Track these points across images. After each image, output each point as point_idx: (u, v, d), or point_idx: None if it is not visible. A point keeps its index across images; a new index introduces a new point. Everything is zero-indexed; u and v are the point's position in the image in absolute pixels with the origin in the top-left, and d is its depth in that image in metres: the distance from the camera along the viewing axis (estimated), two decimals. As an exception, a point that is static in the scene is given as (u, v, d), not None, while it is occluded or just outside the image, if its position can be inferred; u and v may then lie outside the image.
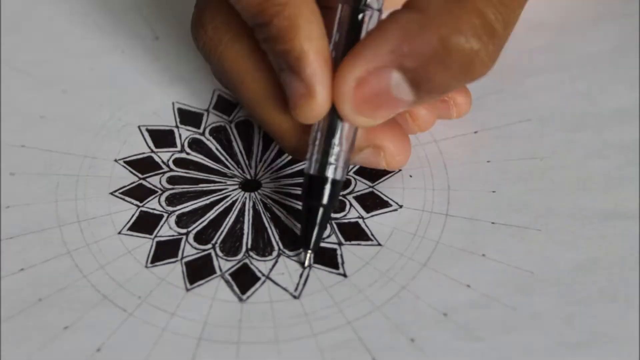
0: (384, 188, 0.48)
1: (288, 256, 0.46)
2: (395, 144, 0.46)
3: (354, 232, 0.46)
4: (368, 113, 0.42)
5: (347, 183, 0.49)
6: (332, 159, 0.44)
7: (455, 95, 0.47)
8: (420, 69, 0.40)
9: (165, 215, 0.47)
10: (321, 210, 0.44)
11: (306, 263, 0.45)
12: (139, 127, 0.51)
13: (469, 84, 0.43)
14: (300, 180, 0.48)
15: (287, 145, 0.46)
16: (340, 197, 0.48)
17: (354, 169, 0.49)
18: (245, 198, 0.48)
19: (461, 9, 0.40)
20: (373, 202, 0.48)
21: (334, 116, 0.43)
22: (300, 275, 0.45)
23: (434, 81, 0.41)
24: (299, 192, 0.48)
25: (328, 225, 0.47)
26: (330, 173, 0.44)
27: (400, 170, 0.49)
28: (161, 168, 0.50)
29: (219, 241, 0.46)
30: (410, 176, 0.49)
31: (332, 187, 0.44)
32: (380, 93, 0.41)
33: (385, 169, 0.47)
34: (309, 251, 0.45)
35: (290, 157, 0.50)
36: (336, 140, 0.43)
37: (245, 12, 0.43)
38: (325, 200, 0.44)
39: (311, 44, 0.41)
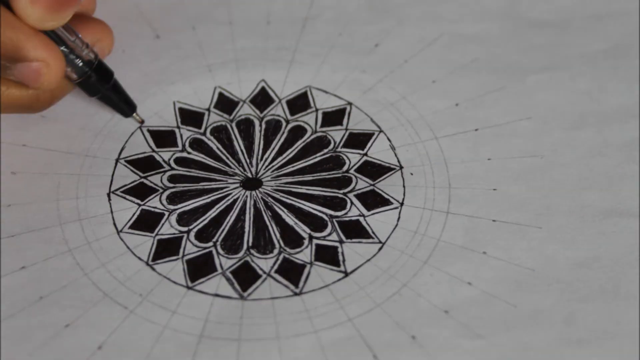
0: (385, 186, 0.48)
1: (289, 254, 0.46)
2: (104, 29, 0.49)
3: (355, 230, 0.46)
4: (55, 18, 0.44)
5: (348, 181, 0.49)
6: (76, 60, 0.47)
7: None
8: None
9: (167, 213, 0.47)
10: (110, 91, 0.49)
11: (139, 119, 0.51)
12: (140, 127, 0.51)
13: None
14: (301, 178, 0.49)
15: (45, 99, 0.48)
16: (341, 195, 0.48)
17: (355, 168, 0.49)
18: (247, 196, 0.48)
19: None
20: (374, 200, 0.48)
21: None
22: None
23: None
24: (301, 190, 0.48)
25: (328, 224, 0.47)
26: (87, 67, 0.48)
27: (402, 167, 0.49)
28: (162, 167, 0.50)
29: (220, 239, 0.46)
30: (411, 174, 0.49)
31: (97, 71, 0.48)
32: None
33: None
34: (134, 114, 0.51)
35: (291, 155, 0.50)
36: (68, 45, 0.47)
37: None
38: (104, 85, 0.49)
39: (16, 30, 0.43)
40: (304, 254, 0.46)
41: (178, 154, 0.50)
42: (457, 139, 0.50)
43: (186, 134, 0.51)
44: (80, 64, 0.47)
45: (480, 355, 0.41)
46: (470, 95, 0.53)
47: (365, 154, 0.50)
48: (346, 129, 0.51)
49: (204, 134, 0.51)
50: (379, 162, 0.50)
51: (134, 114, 0.51)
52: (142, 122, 0.51)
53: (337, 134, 0.51)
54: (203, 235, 0.47)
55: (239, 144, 0.51)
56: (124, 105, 0.50)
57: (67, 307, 0.44)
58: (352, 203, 0.48)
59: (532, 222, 0.46)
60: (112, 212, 0.47)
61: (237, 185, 0.49)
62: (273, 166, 0.50)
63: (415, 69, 0.54)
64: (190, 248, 0.46)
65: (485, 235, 0.46)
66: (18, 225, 0.47)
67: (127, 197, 0.48)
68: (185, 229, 0.47)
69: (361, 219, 0.47)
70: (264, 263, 0.45)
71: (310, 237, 0.46)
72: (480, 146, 0.50)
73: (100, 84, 0.49)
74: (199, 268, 0.45)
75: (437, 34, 0.56)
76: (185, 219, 0.47)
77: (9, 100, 0.46)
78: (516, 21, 0.57)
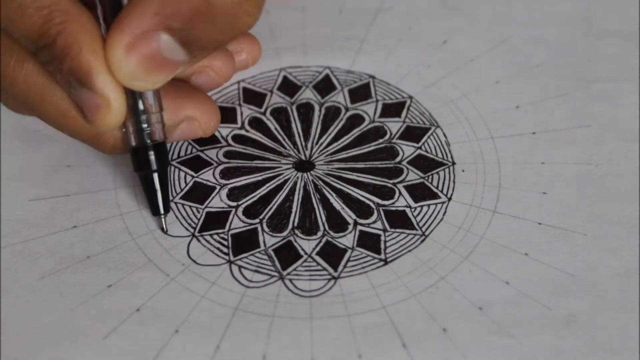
0: (436, 180, 0.48)
1: (332, 237, 0.46)
2: (204, 111, 0.46)
3: (400, 220, 0.47)
4: (144, 77, 0.41)
5: (399, 171, 0.49)
6: (145, 126, 0.44)
7: (245, 46, 0.49)
8: (187, 28, 0.40)
9: (218, 187, 0.48)
10: (155, 175, 0.45)
11: (164, 227, 0.46)
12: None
13: (240, 35, 0.43)
14: (353, 164, 0.49)
15: (106, 144, 0.45)
16: (390, 185, 0.48)
17: (408, 160, 0.49)
18: (298, 178, 0.49)
19: None
20: (423, 193, 0.48)
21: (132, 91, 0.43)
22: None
23: (202, 38, 0.40)
24: (351, 177, 0.48)
25: (374, 211, 0.47)
26: (148, 139, 0.44)
27: (454, 163, 0.49)
28: (220, 142, 0.50)
29: (266, 217, 0.47)
30: (463, 171, 0.49)
31: (156, 150, 0.44)
32: (152, 56, 0.40)
33: (203, 137, 0.48)
34: (163, 215, 0.46)
35: (346, 142, 0.50)
36: (145, 109, 0.43)
37: (25, 38, 0.41)
38: (154, 165, 0.44)
39: (96, 56, 0.41)
40: (347, 239, 0.46)
41: (236, 131, 0.51)
42: (513, 140, 0.50)
43: (246, 112, 0.52)
44: (146, 132, 0.44)
45: (508, 354, 0.41)
46: (531, 99, 0.52)
47: (420, 148, 0.50)
48: (403, 122, 0.52)
49: (264, 113, 0.52)
50: (432, 156, 0.50)
51: (161, 217, 0.46)
52: (163, 230, 0.46)
53: (394, 126, 0.51)
54: (251, 211, 0.47)
55: (296, 126, 0.51)
56: (157, 201, 0.46)
57: (112, 269, 0.45)
58: (400, 193, 0.48)
59: (578, 228, 0.46)
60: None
61: (290, 166, 0.49)
62: (327, 151, 0.50)
63: (480, 68, 0.54)
64: (237, 223, 0.47)
65: (529, 237, 0.46)
66: (75, 185, 0.48)
67: (183, 167, 0.49)
68: (234, 204, 0.48)
69: (407, 210, 0.47)
70: (306, 244, 0.46)
71: (355, 223, 0.47)
72: (535, 149, 0.50)
73: (148, 165, 0.45)
74: (243, 243, 0.46)
75: (506, 35, 0.56)
76: (235, 194, 0.48)
77: (73, 124, 0.44)
78: (587, 29, 0.56)
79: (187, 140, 0.50)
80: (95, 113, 0.42)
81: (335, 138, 0.51)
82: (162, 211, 0.46)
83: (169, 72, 0.41)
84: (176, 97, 0.46)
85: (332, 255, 0.45)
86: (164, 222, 0.46)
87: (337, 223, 0.47)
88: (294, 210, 0.47)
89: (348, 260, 0.45)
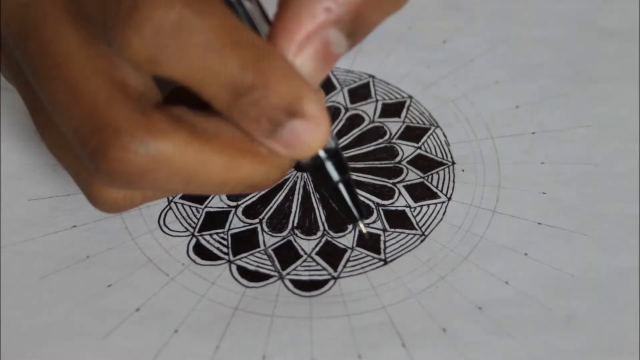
0: (435, 180, 0.48)
1: (332, 237, 0.46)
2: None
3: (400, 220, 0.47)
4: (313, 77, 0.37)
5: (398, 171, 0.49)
6: None
7: None
8: (357, 18, 0.37)
9: (218, 187, 0.48)
10: (340, 185, 0.41)
11: (364, 230, 0.46)
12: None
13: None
14: (353, 164, 0.49)
15: (276, 176, 0.40)
16: (390, 185, 0.48)
17: (408, 160, 0.50)
18: (297, 177, 0.49)
19: None
20: (422, 193, 0.48)
21: None
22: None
23: (369, 24, 0.38)
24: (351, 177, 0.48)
25: (374, 211, 0.47)
26: (321, 152, 0.40)
27: (454, 163, 0.49)
28: (219, 142, 0.50)
29: (266, 217, 0.47)
30: (463, 170, 0.49)
31: (333, 160, 0.40)
32: (323, 54, 0.37)
33: None
34: (359, 222, 0.42)
35: (346, 142, 0.50)
36: None
37: (224, 89, 0.36)
38: (336, 177, 0.41)
39: (298, 80, 0.36)
40: (347, 239, 0.46)
41: (236, 131, 0.51)
42: (513, 140, 0.50)
43: (246, 112, 0.52)
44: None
45: (508, 354, 0.41)
46: (531, 99, 0.52)
47: (419, 148, 0.50)
48: (403, 122, 0.52)
49: (263, 113, 0.52)
50: (432, 156, 0.50)
51: (359, 223, 0.43)
52: (365, 235, 0.45)
53: (393, 126, 0.51)
54: (250, 211, 0.47)
55: (296, 126, 0.51)
56: (347, 209, 0.42)
57: (111, 269, 0.45)
58: (400, 193, 0.48)
59: (578, 228, 0.46)
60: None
61: (290, 165, 0.49)
62: (327, 151, 0.50)
63: (480, 68, 0.54)
64: (237, 223, 0.47)
65: (529, 237, 0.46)
66: (74, 185, 0.48)
67: (182, 168, 0.49)
68: (234, 203, 0.48)
69: (407, 209, 0.47)
70: (306, 244, 0.46)
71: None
72: (535, 149, 0.50)
73: (329, 177, 0.41)
74: (243, 243, 0.46)
75: (506, 35, 0.56)
76: (235, 194, 0.48)
77: (238, 177, 0.38)
78: (587, 29, 0.56)
79: None
80: (305, 139, 0.37)
81: (338, 138, 0.51)
82: (358, 216, 0.42)
83: (332, 65, 0.38)
84: None
85: (331, 255, 0.45)
86: (362, 227, 0.44)
87: (337, 223, 0.47)
88: (293, 210, 0.47)
89: (348, 260, 0.45)
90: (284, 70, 0.36)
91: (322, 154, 0.40)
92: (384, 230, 0.46)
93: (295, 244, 0.46)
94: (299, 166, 0.42)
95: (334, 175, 0.40)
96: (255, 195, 0.48)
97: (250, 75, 0.35)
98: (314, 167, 0.40)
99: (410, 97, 0.53)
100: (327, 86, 0.53)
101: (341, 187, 0.41)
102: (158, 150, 0.36)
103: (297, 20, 0.36)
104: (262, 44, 0.36)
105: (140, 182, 0.37)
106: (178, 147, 0.36)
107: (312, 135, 0.36)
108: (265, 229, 0.47)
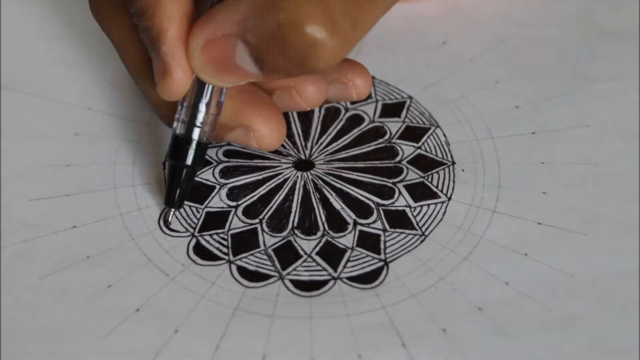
0: (435, 179, 0.48)
1: (332, 237, 0.46)
2: (266, 126, 0.46)
3: (400, 220, 0.47)
4: (213, 74, 0.42)
5: (399, 171, 0.49)
6: (198, 122, 0.44)
7: (354, 77, 0.47)
8: (261, 47, 0.40)
9: (218, 187, 0.48)
10: (185, 170, 0.45)
11: (170, 219, 0.46)
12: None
13: (312, 74, 0.43)
14: (353, 164, 0.49)
15: (161, 115, 0.47)
16: (390, 184, 0.48)
17: (408, 159, 0.50)
18: (297, 177, 0.49)
19: None
20: (422, 192, 0.48)
21: (201, 82, 0.44)
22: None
23: (273, 63, 0.40)
24: (351, 176, 0.48)
25: (374, 211, 0.47)
26: (195, 135, 0.44)
27: (454, 163, 0.49)
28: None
29: (266, 217, 0.47)
30: (463, 170, 0.49)
31: (197, 149, 0.45)
32: (225, 58, 0.41)
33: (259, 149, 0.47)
34: (172, 209, 0.46)
35: (346, 142, 0.50)
36: (202, 105, 0.44)
37: None
38: (189, 161, 0.45)
39: (170, 23, 0.42)
40: (347, 239, 0.46)
41: (236, 131, 0.51)
42: (513, 140, 0.50)
43: (246, 112, 0.52)
44: (196, 127, 0.44)
45: (508, 354, 0.41)
46: (531, 99, 0.52)
47: (420, 148, 0.50)
48: (403, 122, 0.52)
49: (263, 114, 0.52)
50: (432, 156, 0.50)
51: (170, 211, 0.47)
52: (165, 223, 0.47)
53: (393, 126, 0.51)
54: (250, 211, 0.47)
55: (296, 126, 0.51)
56: (174, 193, 0.46)
57: (111, 269, 0.45)
58: (400, 193, 0.48)
59: (578, 228, 0.46)
60: (165, 180, 0.48)
61: (290, 165, 0.49)
62: (327, 151, 0.50)
63: (480, 68, 0.54)
64: (237, 223, 0.47)
65: (529, 237, 0.46)
66: (74, 185, 0.48)
67: (182, 167, 0.49)
68: (234, 203, 0.48)
69: (407, 209, 0.47)
70: (306, 244, 0.46)
71: (355, 223, 0.47)
72: (535, 149, 0.50)
73: (183, 158, 0.45)
74: (243, 243, 0.46)
75: (506, 35, 0.56)
76: (235, 193, 0.48)
77: (144, 84, 0.46)
78: (587, 29, 0.56)
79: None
80: (158, 78, 0.43)
81: (335, 138, 0.51)
82: (174, 205, 0.46)
83: (237, 78, 0.42)
84: (243, 103, 0.46)
85: (331, 255, 0.45)
86: (170, 215, 0.46)
87: (337, 223, 0.47)
88: (293, 210, 0.47)
89: (348, 260, 0.45)
90: (163, 4, 0.42)
91: (195, 136, 0.44)
92: (384, 230, 0.46)
93: (295, 244, 0.46)
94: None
95: (188, 158, 0.45)
96: (255, 195, 0.48)
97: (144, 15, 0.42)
98: (179, 139, 0.45)
99: (410, 97, 0.53)
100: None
101: (184, 172, 0.45)
102: None
103: (214, 17, 0.41)
104: None
105: None
106: None
107: (161, 74, 0.43)
108: (265, 229, 0.47)
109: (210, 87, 0.44)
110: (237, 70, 0.41)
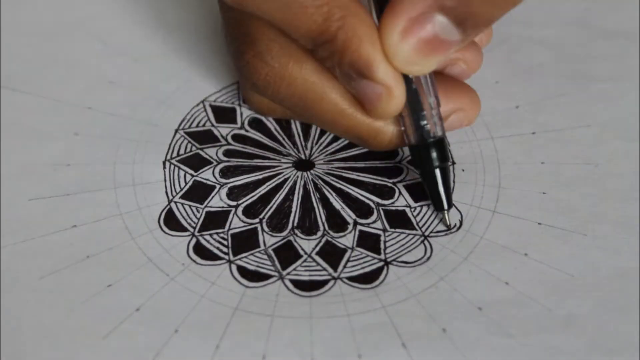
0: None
1: (332, 237, 0.46)
2: (470, 100, 0.46)
3: (400, 220, 0.47)
4: (421, 61, 0.42)
5: (399, 171, 0.49)
6: (423, 123, 0.44)
7: (464, 53, 0.47)
8: (462, 5, 0.39)
9: (218, 186, 0.48)
10: (437, 171, 0.45)
11: (448, 222, 0.46)
12: (202, 102, 0.52)
13: (512, 9, 0.41)
14: (353, 164, 0.49)
15: (383, 139, 0.46)
16: (391, 184, 0.48)
17: (408, 159, 0.50)
18: (297, 177, 0.49)
19: None
20: (422, 192, 0.48)
21: (409, 85, 0.43)
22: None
23: (477, 15, 0.40)
24: (351, 176, 0.48)
25: (374, 211, 0.47)
26: (428, 136, 0.45)
27: (454, 163, 0.49)
28: (219, 141, 0.50)
29: (266, 216, 0.47)
30: (463, 170, 0.49)
31: (437, 146, 0.45)
32: (428, 39, 0.41)
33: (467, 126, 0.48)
34: (445, 210, 0.46)
35: (346, 142, 0.50)
36: (423, 105, 0.44)
37: (305, 37, 0.42)
38: (436, 162, 0.45)
39: (375, 47, 0.41)
40: (347, 239, 0.46)
41: (236, 131, 0.51)
42: (513, 140, 0.50)
43: (246, 112, 0.52)
44: (425, 129, 0.44)
45: (508, 354, 0.41)
46: (531, 99, 0.52)
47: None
48: (403, 121, 0.52)
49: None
50: (432, 156, 0.50)
51: (445, 212, 0.46)
52: (448, 226, 0.46)
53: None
54: (250, 211, 0.47)
55: (296, 127, 0.51)
56: (439, 196, 0.46)
57: (111, 268, 0.45)
58: (400, 193, 0.48)
59: (578, 228, 0.46)
60: (165, 180, 0.48)
61: (290, 165, 0.49)
62: (327, 151, 0.50)
63: (481, 68, 0.54)
64: (237, 223, 0.47)
65: (528, 237, 0.46)
66: (74, 184, 0.48)
67: (182, 166, 0.49)
68: (234, 203, 0.48)
69: (407, 209, 0.47)
70: (306, 244, 0.46)
71: (355, 223, 0.47)
72: (535, 149, 0.50)
73: (429, 162, 0.45)
74: (243, 243, 0.46)
75: (506, 35, 0.56)
76: (235, 193, 0.48)
77: (352, 120, 0.45)
78: (587, 29, 0.56)
79: (186, 139, 0.50)
80: (376, 103, 0.43)
81: (335, 138, 0.51)
82: (445, 206, 0.46)
83: (444, 53, 0.41)
84: (444, 89, 0.46)
85: (331, 255, 0.45)
86: (447, 217, 0.46)
87: (337, 223, 0.47)
88: (293, 209, 0.47)
89: (348, 260, 0.45)
90: (361, 34, 0.41)
91: (428, 138, 0.44)
92: (384, 230, 0.46)
93: (295, 244, 0.46)
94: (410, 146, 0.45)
95: (435, 160, 0.45)
96: (255, 195, 0.48)
97: (328, 35, 0.41)
98: (418, 148, 0.45)
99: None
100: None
101: (437, 173, 0.45)
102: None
103: (401, 3, 0.40)
104: (352, 6, 0.41)
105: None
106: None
107: (379, 98, 0.42)
108: (266, 228, 0.47)
109: (428, 80, 0.44)
110: (443, 45, 0.41)
